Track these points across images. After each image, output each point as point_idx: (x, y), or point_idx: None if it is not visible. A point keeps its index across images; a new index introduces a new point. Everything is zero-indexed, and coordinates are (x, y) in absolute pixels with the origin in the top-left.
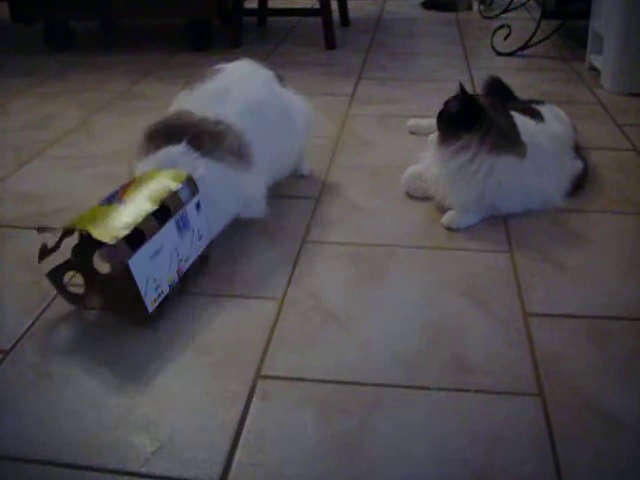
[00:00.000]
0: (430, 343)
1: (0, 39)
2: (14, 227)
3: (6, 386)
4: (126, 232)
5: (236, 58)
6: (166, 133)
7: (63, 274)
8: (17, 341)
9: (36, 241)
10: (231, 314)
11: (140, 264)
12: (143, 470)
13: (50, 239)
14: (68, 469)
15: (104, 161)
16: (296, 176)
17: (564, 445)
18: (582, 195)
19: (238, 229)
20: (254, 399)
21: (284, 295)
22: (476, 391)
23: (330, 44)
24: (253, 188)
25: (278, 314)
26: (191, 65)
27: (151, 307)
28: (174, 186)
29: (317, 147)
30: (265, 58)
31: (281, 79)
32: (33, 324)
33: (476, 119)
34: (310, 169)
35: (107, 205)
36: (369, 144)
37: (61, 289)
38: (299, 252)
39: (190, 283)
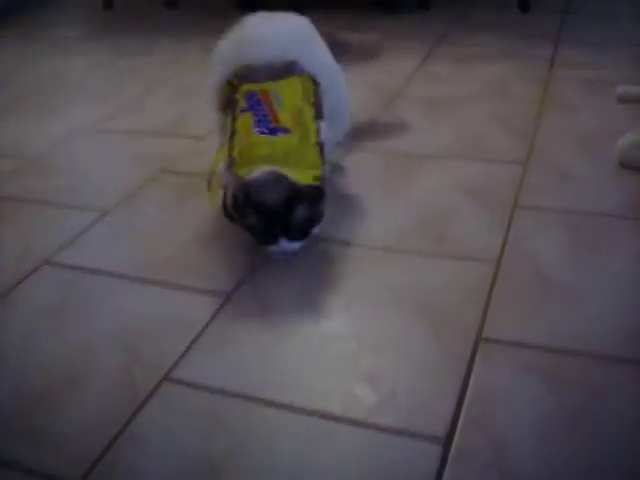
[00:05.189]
0: None
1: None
2: None
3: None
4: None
5: (423, 20)
6: None
7: None
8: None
9: None
10: (446, 274)
11: None
12: (369, 420)
13: None
14: (287, 411)
15: None
16: None
17: None
18: None
19: (447, 191)
20: (476, 360)
21: (499, 258)
22: None
23: (523, 5)
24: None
25: (495, 277)
26: (381, 27)
27: None
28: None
29: (519, 112)
30: (452, 20)
31: None
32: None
33: None
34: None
35: (271, 135)
36: (575, 110)
37: None
38: (511, 216)
39: None
